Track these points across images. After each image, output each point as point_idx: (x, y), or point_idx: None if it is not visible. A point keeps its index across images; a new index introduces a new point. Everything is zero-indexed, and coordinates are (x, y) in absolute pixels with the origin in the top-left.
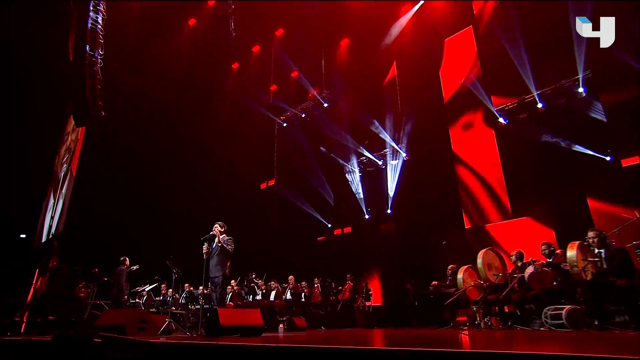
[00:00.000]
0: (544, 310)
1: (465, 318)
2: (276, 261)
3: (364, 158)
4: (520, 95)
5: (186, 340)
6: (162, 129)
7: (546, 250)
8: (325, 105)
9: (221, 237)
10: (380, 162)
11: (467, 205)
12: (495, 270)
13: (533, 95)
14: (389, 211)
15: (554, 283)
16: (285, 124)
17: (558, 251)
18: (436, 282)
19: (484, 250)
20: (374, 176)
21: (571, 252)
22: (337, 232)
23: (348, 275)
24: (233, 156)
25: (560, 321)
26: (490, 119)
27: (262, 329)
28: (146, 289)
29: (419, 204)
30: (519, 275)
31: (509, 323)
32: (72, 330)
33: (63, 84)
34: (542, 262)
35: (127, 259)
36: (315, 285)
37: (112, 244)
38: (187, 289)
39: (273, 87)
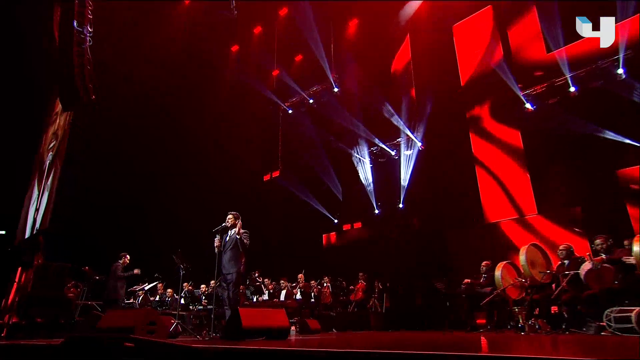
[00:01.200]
0: (606, 313)
1: (484, 321)
2: (280, 258)
3: (375, 148)
4: (550, 79)
5: (218, 344)
6: (157, 116)
7: (603, 245)
8: (336, 90)
9: (235, 229)
10: (393, 152)
11: (487, 199)
12: (540, 268)
13: (565, 78)
14: (400, 205)
15: (615, 282)
16: (290, 111)
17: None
18: (469, 280)
19: (527, 245)
20: (385, 168)
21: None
22: (346, 227)
23: (360, 274)
24: (234, 145)
25: (629, 325)
26: (514, 105)
27: (288, 331)
28: (145, 288)
29: (434, 198)
30: (573, 272)
31: (563, 327)
32: (88, 333)
33: (49, 62)
34: (602, 258)
35: (128, 255)
36: (325, 285)
37: (104, 240)
38: (187, 289)
39: (275, 72)
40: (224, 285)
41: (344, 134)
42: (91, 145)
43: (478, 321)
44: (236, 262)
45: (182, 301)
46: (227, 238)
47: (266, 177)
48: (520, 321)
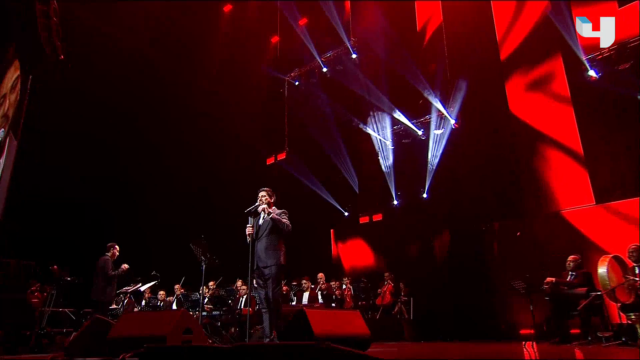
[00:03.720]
0: None
1: (578, 330)
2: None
3: (399, 126)
4: (621, 41)
5: None
6: (137, 87)
7: None
8: (354, 56)
9: (270, 209)
10: (420, 132)
11: (532, 187)
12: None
13: None
14: (425, 195)
15: None
16: (297, 82)
17: None
18: (553, 279)
19: (609, 258)
20: (410, 150)
21: None
22: (364, 220)
23: (386, 275)
24: (229, 122)
25: None
26: (570, 73)
27: (370, 341)
28: (142, 289)
29: (468, 186)
30: None
31: None
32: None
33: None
34: None
35: (117, 246)
36: (345, 287)
37: (76, 231)
38: (179, 292)
39: (275, 39)
40: (260, 282)
41: (361, 109)
42: (57, 117)
43: (572, 331)
44: (275, 251)
45: (175, 306)
46: (261, 221)
47: (270, 160)
48: None
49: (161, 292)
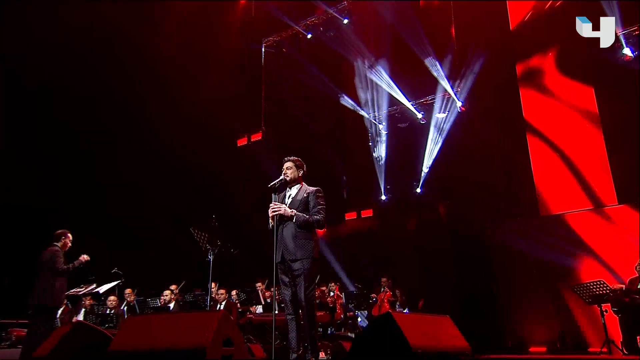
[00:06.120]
0: None
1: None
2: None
3: (395, 108)
4: None
5: None
6: (82, 58)
7: None
8: (346, 21)
9: (300, 186)
10: (420, 115)
11: (544, 184)
12: None
13: None
14: (418, 190)
15: None
16: (273, 51)
17: None
18: (622, 286)
19: None
20: (404, 136)
21: None
22: (350, 216)
23: (383, 280)
24: (192, 95)
25: None
26: (593, 52)
27: (470, 355)
28: (101, 290)
29: (472, 179)
30: None
31: None
32: None
33: None
34: None
35: (69, 234)
36: (333, 294)
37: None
38: (131, 298)
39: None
40: (285, 279)
41: (352, 84)
42: None
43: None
44: (307, 240)
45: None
46: (288, 200)
47: (242, 141)
48: None
49: (112, 298)
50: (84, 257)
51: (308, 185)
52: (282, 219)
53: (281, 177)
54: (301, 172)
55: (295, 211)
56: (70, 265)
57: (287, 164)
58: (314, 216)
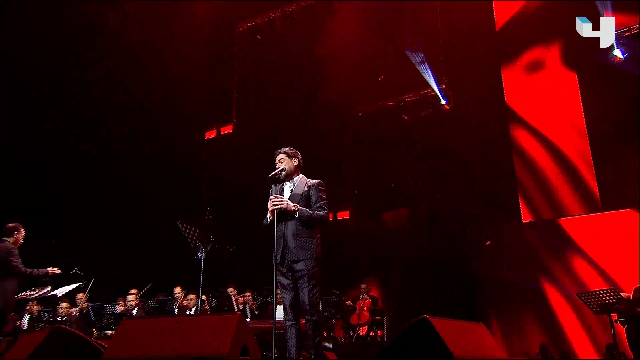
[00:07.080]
0: None
1: None
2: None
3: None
4: None
5: None
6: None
7: None
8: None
9: (300, 177)
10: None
11: (528, 188)
12: None
13: None
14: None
15: None
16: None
17: None
18: (630, 295)
19: None
20: (385, 133)
21: None
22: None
23: (362, 286)
24: (155, 81)
25: None
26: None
27: None
28: (59, 294)
29: (453, 183)
30: None
31: None
32: None
33: None
34: None
35: (22, 229)
36: None
37: None
38: (85, 304)
39: None
40: (284, 282)
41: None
42: None
43: None
44: (309, 238)
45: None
46: (287, 193)
47: (210, 134)
48: None
49: (64, 304)
50: (54, 270)
51: (308, 178)
52: (282, 214)
53: (279, 169)
54: (296, 161)
55: (298, 205)
56: (33, 271)
57: (279, 156)
58: (318, 212)
